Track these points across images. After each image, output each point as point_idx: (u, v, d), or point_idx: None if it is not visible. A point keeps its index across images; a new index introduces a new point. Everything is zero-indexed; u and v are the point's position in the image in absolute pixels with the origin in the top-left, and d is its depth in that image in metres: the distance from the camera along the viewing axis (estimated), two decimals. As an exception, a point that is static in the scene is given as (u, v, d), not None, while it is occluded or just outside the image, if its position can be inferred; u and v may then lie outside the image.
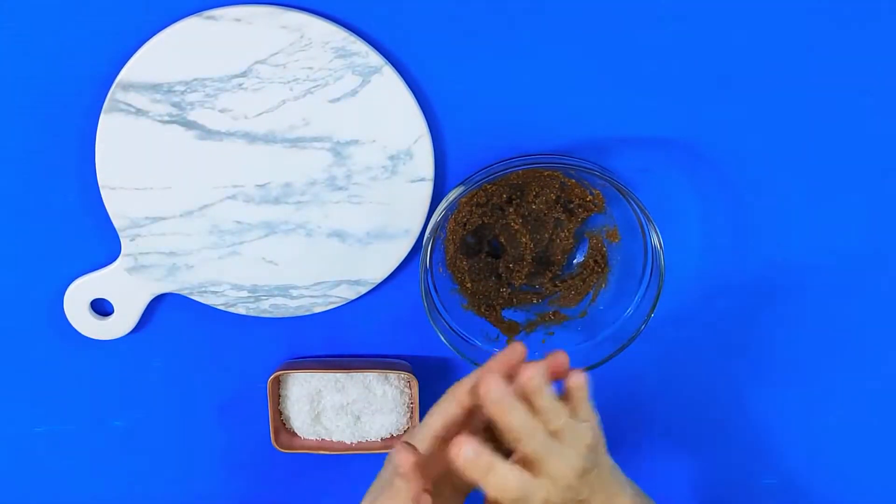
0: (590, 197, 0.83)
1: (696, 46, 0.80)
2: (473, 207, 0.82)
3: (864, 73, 0.81)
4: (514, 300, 0.85)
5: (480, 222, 0.83)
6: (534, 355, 0.85)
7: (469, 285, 0.84)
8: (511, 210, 0.82)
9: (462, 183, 0.81)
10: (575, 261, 0.85)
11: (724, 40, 0.80)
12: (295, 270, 0.84)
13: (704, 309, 0.87)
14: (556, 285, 0.85)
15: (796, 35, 0.80)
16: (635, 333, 0.81)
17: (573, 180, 0.82)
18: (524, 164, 0.79)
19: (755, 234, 0.85)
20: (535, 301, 0.85)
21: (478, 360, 0.82)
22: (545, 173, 0.82)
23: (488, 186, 0.82)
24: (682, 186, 0.84)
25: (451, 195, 0.80)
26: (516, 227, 0.83)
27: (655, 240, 0.79)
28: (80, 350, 0.88)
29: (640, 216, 0.79)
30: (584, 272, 0.84)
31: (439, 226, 0.81)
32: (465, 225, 0.83)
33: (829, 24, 0.80)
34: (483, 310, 0.85)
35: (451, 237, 0.83)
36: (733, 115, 0.82)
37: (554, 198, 0.82)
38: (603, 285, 0.85)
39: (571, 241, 0.84)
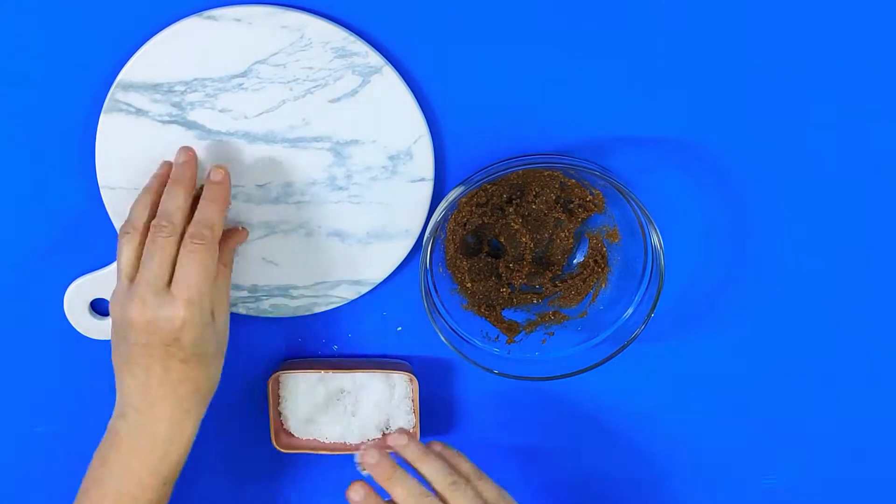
0: (590, 197, 0.83)
1: (697, 46, 0.80)
2: (473, 207, 0.82)
3: (865, 70, 0.81)
4: (514, 300, 0.85)
5: (480, 222, 0.83)
6: (533, 355, 0.85)
7: (469, 285, 0.84)
8: (511, 210, 0.82)
9: (462, 183, 0.81)
10: (575, 261, 0.85)
11: (723, 40, 0.80)
12: (295, 270, 0.84)
13: (704, 309, 0.87)
14: (556, 285, 0.85)
15: (795, 33, 0.80)
16: (635, 334, 0.81)
17: (573, 180, 0.82)
18: (524, 164, 0.79)
19: (755, 233, 0.85)
20: (535, 301, 0.85)
21: (478, 360, 0.82)
22: (545, 173, 0.82)
23: (488, 186, 0.82)
24: (682, 186, 0.84)
25: (451, 195, 0.80)
26: (516, 227, 0.82)
27: (655, 240, 0.79)
28: (80, 350, 0.88)
29: (640, 216, 0.79)
30: (585, 272, 0.84)
31: (439, 226, 0.81)
32: (465, 225, 0.83)
33: (828, 20, 0.80)
34: (483, 310, 0.85)
35: (451, 237, 0.83)
36: (733, 114, 0.82)
37: (554, 198, 0.82)
38: (603, 285, 0.85)
39: (571, 241, 0.84)
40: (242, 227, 0.82)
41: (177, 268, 0.74)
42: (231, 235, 0.81)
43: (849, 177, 0.84)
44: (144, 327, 0.73)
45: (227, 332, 0.78)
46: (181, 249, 0.74)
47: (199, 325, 0.74)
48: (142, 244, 0.76)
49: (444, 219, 0.82)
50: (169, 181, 0.77)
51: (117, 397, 0.77)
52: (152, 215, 0.76)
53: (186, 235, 0.75)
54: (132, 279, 0.75)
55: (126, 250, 0.76)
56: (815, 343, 0.88)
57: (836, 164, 0.83)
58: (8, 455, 0.91)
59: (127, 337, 0.75)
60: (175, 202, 0.76)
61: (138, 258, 0.75)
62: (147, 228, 0.76)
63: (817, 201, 0.84)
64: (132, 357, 0.75)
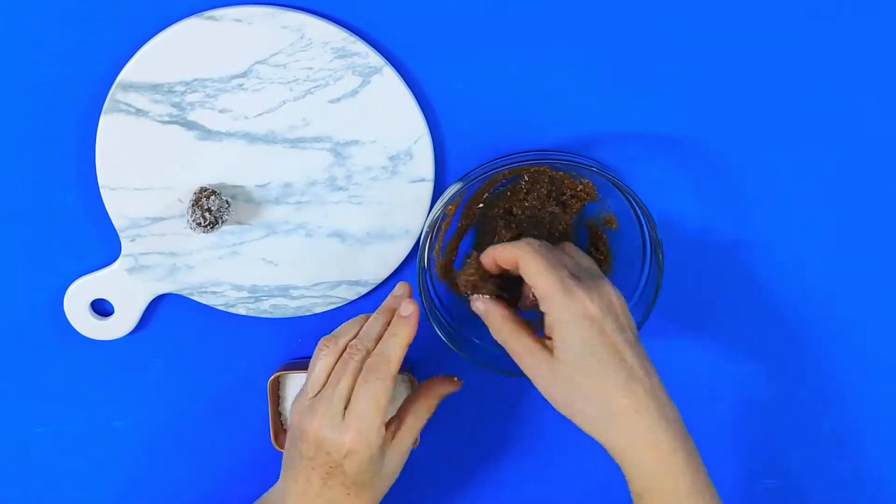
0: (580, 186, 0.83)
1: (691, 43, 0.80)
2: (468, 220, 0.83)
3: (856, 60, 0.81)
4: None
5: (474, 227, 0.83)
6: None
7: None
8: (499, 213, 0.82)
9: (454, 184, 0.81)
10: (578, 252, 0.85)
11: (714, 34, 0.80)
12: (295, 271, 0.84)
13: (704, 306, 0.87)
14: (562, 278, 0.85)
15: (782, 25, 0.80)
16: (639, 323, 0.81)
17: (561, 172, 0.82)
18: (510, 164, 0.79)
19: (753, 224, 0.85)
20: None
21: (478, 358, 0.82)
22: (531, 170, 0.82)
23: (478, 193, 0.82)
24: (678, 182, 0.84)
25: (448, 192, 0.80)
26: (509, 235, 0.82)
27: (650, 228, 0.79)
28: (80, 350, 0.88)
29: (635, 206, 0.80)
30: None
31: (436, 225, 0.81)
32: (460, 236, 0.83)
33: (814, 11, 0.80)
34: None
35: (443, 261, 0.84)
36: (726, 108, 0.82)
37: (545, 192, 0.82)
38: (608, 272, 0.84)
39: (570, 232, 0.84)
40: (457, 379, 0.81)
41: (352, 396, 0.74)
42: (442, 383, 0.82)
43: (846, 167, 0.84)
44: (314, 443, 0.74)
45: (399, 468, 0.78)
46: (358, 378, 0.75)
47: (363, 457, 0.74)
48: (336, 362, 0.76)
49: (440, 219, 0.82)
50: (379, 308, 0.79)
51: (280, 485, 0.79)
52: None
53: (364, 365, 0.75)
54: (317, 392, 0.76)
55: (321, 363, 0.76)
56: (817, 342, 0.88)
57: (832, 156, 0.83)
58: (8, 455, 0.91)
59: (298, 444, 0.76)
60: (376, 327, 0.77)
61: (328, 374, 0.76)
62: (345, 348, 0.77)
63: (816, 196, 0.84)
64: (298, 464, 0.76)
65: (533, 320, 0.86)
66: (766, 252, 0.86)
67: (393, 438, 0.77)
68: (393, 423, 0.78)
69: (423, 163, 0.81)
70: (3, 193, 0.84)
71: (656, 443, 0.71)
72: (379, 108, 0.80)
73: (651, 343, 0.87)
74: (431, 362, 0.89)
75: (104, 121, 0.80)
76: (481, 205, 0.83)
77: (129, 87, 0.79)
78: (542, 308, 0.72)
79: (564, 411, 0.72)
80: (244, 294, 0.85)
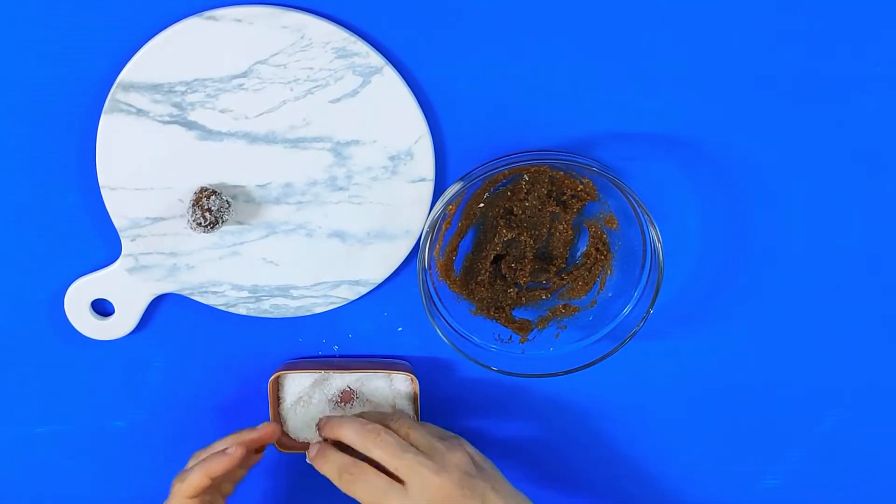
0: (580, 186, 0.83)
1: (691, 43, 0.80)
2: (468, 220, 0.83)
3: (853, 61, 0.81)
4: (523, 299, 0.85)
5: (475, 227, 0.83)
6: (547, 351, 0.85)
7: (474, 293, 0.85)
8: (502, 221, 0.82)
9: (455, 183, 0.81)
10: (578, 252, 0.85)
11: (711, 34, 0.80)
12: (295, 271, 0.84)
13: (704, 305, 0.87)
14: (562, 278, 0.85)
15: (782, 25, 0.80)
16: (639, 325, 0.81)
17: (561, 172, 0.82)
18: (509, 164, 0.79)
19: (753, 225, 0.85)
20: (544, 297, 0.85)
21: (479, 358, 0.83)
22: (531, 169, 0.82)
23: (476, 196, 0.82)
24: (677, 180, 0.84)
25: (448, 192, 0.80)
26: (510, 234, 0.82)
27: (651, 228, 0.79)
28: (81, 350, 0.88)
29: (635, 206, 0.80)
30: (588, 261, 0.84)
31: (436, 225, 0.81)
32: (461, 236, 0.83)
33: (815, 11, 0.80)
34: (492, 312, 0.85)
35: (445, 261, 0.84)
36: (726, 107, 0.82)
37: (545, 192, 0.82)
38: (609, 272, 0.85)
39: (571, 232, 0.84)
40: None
41: None
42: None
43: (846, 167, 0.84)
44: None
45: None
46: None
47: None
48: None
49: (438, 231, 0.82)
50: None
51: None
52: None
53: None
54: None
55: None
56: (817, 340, 0.88)
57: (833, 156, 0.83)
58: (8, 455, 0.91)
59: None
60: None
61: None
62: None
63: (816, 195, 0.84)
64: None
65: (532, 319, 0.86)
66: (766, 252, 0.86)
67: None
68: None
69: (424, 163, 0.81)
70: (3, 193, 0.84)
71: None
72: (379, 108, 0.80)
73: (651, 343, 0.88)
74: (432, 363, 0.89)
75: (104, 121, 0.80)
76: (482, 205, 0.83)
77: (129, 87, 0.79)
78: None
79: None
80: (244, 294, 0.85)
